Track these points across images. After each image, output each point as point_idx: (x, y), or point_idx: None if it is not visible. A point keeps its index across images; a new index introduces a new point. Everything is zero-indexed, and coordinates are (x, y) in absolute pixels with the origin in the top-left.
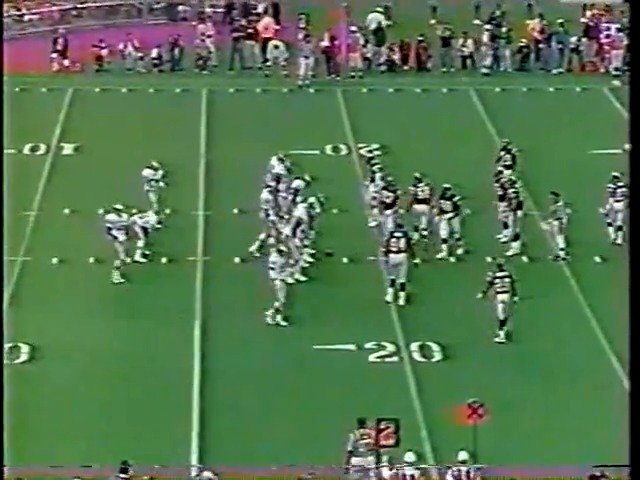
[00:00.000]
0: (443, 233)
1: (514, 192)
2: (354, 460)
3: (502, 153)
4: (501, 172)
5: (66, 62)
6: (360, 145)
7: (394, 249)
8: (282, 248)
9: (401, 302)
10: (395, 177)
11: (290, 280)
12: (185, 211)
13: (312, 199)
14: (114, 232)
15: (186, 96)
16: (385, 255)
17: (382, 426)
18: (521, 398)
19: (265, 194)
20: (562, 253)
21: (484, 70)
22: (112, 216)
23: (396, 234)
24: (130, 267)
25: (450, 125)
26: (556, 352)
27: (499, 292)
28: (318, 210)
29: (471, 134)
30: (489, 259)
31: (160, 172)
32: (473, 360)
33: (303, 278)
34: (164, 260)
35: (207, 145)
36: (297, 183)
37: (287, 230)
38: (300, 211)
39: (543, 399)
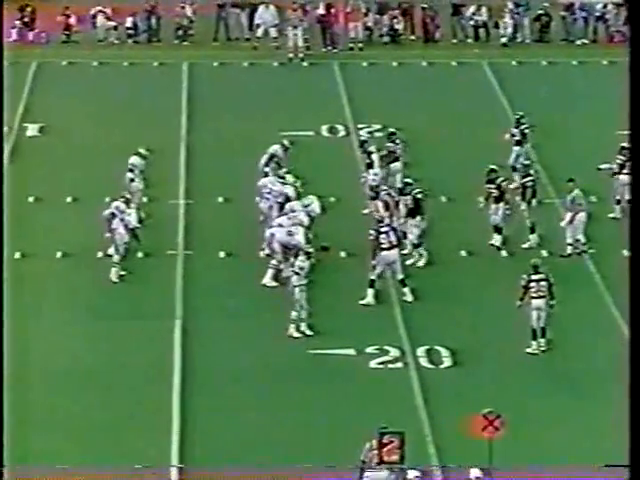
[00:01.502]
0: (410, 237)
1: (531, 181)
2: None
3: (514, 129)
4: (494, 170)
5: (30, 36)
6: (360, 125)
7: (385, 245)
8: (310, 250)
9: (409, 298)
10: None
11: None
12: (164, 199)
13: (312, 203)
14: (115, 223)
15: (164, 70)
16: (378, 253)
17: (385, 440)
18: (540, 409)
19: (278, 185)
20: (583, 247)
21: (503, 40)
22: (119, 203)
23: (383, 229)
24: (104, 262)
25: (460, 103)
26: (580, 357)
27: (534, 297)
28: (318, 211)
29: (484, 113)
30: (504, 254)
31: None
32: (486, 366)
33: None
34: (140, 254)
35: (188, 125)
36: (287, 190)
37: (278, 233)
38: (302, 217)
39: (565, 410)
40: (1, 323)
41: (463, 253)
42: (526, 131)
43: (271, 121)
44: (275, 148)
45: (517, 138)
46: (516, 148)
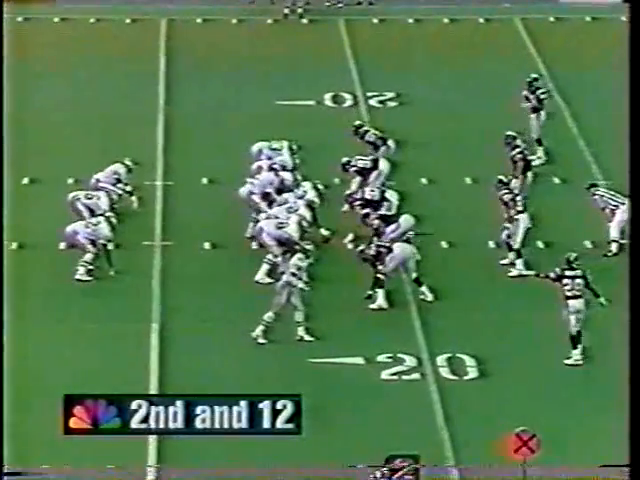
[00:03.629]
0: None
1: (519, 153)
2: None
3: (527, 93)
4: (502, 182)
5: None
6: (370, 94)
7: (389, 244)
8: (308, 247)
9: (429, 298)
10: (414, 137)
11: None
12: (138, 181)
13: (307, 193)
14: (79, 205)
15: (139, 28)
16: (387, 255)
17: (397, 465)
18: (577, 427)
19: (268, 173)
20: (614, 247)
21: None
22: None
23: (377, 237)
24: (67, 255)
25: (487, 66)
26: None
27: (569, 297)
28: (317, 201)
29: (516, 78)
30: (540, 245)
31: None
32: (518, 378)
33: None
34: (111, 246)
35: (167, 93)
36: (286, 175)
37: (266, 226)
38: (302, 210)
39: (610, 430)
40: (1, 322)
41: (491, 244)
42: (542, 97)
43: (265, 89)
44: (283, 150)
45: (534, 105)
46: (533, 116)
